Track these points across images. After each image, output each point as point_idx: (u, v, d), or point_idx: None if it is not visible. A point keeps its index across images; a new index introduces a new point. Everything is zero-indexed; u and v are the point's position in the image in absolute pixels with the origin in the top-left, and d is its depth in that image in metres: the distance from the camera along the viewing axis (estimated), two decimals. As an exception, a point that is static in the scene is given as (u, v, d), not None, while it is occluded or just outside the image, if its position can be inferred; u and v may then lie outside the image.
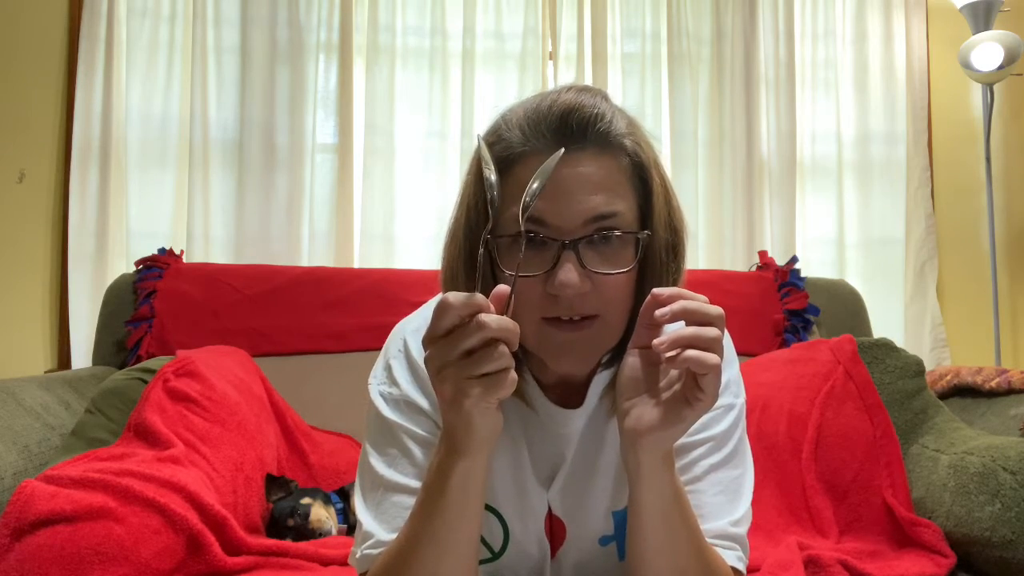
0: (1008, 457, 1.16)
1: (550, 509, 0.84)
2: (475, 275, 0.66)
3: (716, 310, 0.65)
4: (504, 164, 0.71)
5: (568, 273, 0.68)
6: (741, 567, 0.78)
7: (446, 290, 0.73)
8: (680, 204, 0.77)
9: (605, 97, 0.75)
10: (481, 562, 0.85)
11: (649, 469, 0.69)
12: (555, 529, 0.85)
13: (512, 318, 0.63)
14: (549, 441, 0.83)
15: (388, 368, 0.83)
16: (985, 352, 2.50)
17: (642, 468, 0.69)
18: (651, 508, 0.70)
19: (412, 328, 0.85)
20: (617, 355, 0.77)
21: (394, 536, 0.74)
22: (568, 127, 0.70)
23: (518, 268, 0.66)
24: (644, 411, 0.67)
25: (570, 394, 0.82)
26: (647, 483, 0.69)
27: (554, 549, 0.86)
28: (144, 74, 2.33)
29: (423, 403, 0.80)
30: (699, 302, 0.65)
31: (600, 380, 0.82)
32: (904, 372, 1.45)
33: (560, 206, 0.69)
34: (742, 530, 0.80)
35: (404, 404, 0.80)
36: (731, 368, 0.86)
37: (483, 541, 0.84)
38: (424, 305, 0.89)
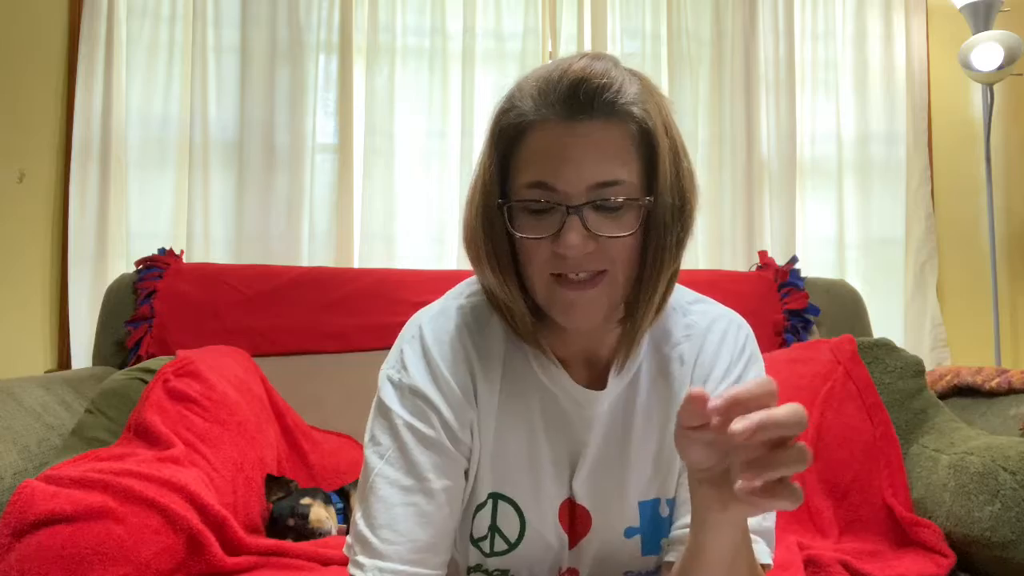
0: (1008, 457, 1.16)
1: (573, 498, 0.83)
2: (492, 236, 0.75)
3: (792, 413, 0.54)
4: (516, 132, 0.73)
5: (571, 236, 0.70)
6: (768, 561, 0.77)
7: (468, 248, 0.78)
8: (692, 167, 0.77)
9: (616, 63, 0.75)
10: (498, 553, 0.83)
11: (717, 521, 0.65)
12: (579, 518, 0.84)
13: (526, 275, 0.74)
14: (568, 424, 0.81)
15: (400, 353, 0.80)
16: (985, 352, 2.50)
17: (709, 520, 0.65)
18: (717, 554, 0.68)
19: (430, 315, 0.82)
20: (632, 326, 0.77)
21: (379, 543, 0.72)
22: (576, 97, 0.71)
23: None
24: (718, 489, 0.62)
25: (593, 375, 0.81)
26: (715, 531, 0.66)
27: (577, 539, 0.84)
28: (144, 74, 2.33)
29: (432, 394, 0.77)
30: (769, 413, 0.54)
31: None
32: (904, 372, 1.45)
33: (566, 173, 0.71)
34: (770, 523, 0.80)
35: (410, 392, 0.77)
36: (757, 365, 0.85)
37: (499, 532, 0.83)
38: (446, 294, 0.86)
